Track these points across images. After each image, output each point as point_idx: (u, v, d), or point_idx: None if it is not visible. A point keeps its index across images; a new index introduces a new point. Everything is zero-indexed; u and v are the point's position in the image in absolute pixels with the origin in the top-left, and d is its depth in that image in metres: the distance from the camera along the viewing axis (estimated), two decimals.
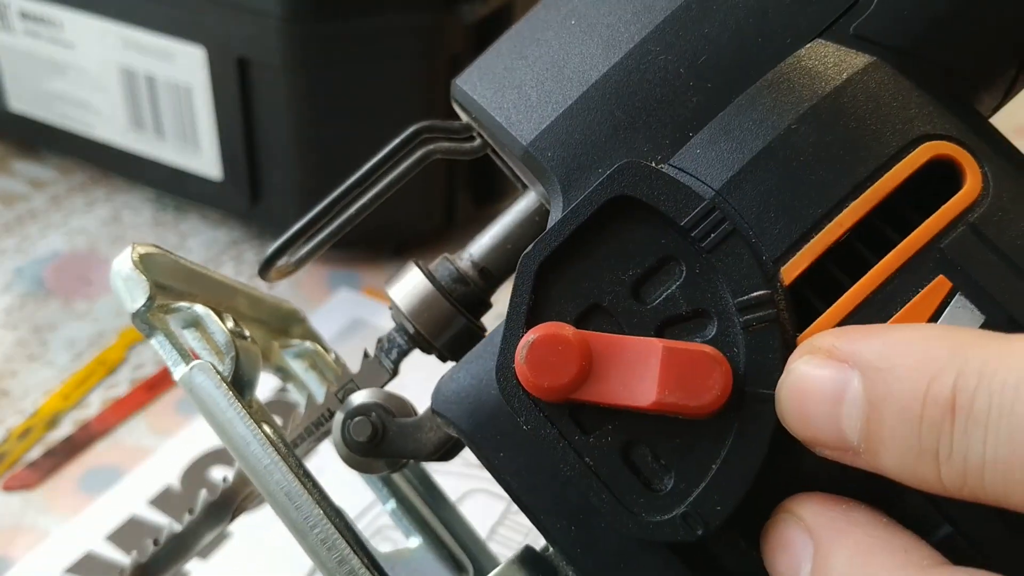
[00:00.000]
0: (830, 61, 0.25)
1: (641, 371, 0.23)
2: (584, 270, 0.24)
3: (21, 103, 0.69)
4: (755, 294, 0.23)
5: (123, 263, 0.28)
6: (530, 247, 0.24)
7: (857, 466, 0.22)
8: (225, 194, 0.64)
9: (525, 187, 0.30)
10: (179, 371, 0.27)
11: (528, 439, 0.24)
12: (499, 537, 0.48)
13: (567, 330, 0.23)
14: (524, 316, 0.24)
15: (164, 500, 0.50)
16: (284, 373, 0.36)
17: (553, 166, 0.26)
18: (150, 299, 0.27)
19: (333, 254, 0.66)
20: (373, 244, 0.66)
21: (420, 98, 0.60)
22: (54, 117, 0.68)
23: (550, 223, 0.25)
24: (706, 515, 0.23)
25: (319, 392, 0.35)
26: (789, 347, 0.23)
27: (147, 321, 0.27)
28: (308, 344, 0.36)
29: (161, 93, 0.62)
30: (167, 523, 0.31)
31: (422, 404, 0.29)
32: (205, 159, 0.63)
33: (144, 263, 0.28)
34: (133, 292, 0.27)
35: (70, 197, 0.70)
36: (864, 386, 0.21)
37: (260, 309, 0.34)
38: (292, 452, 0.27)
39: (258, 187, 0.63)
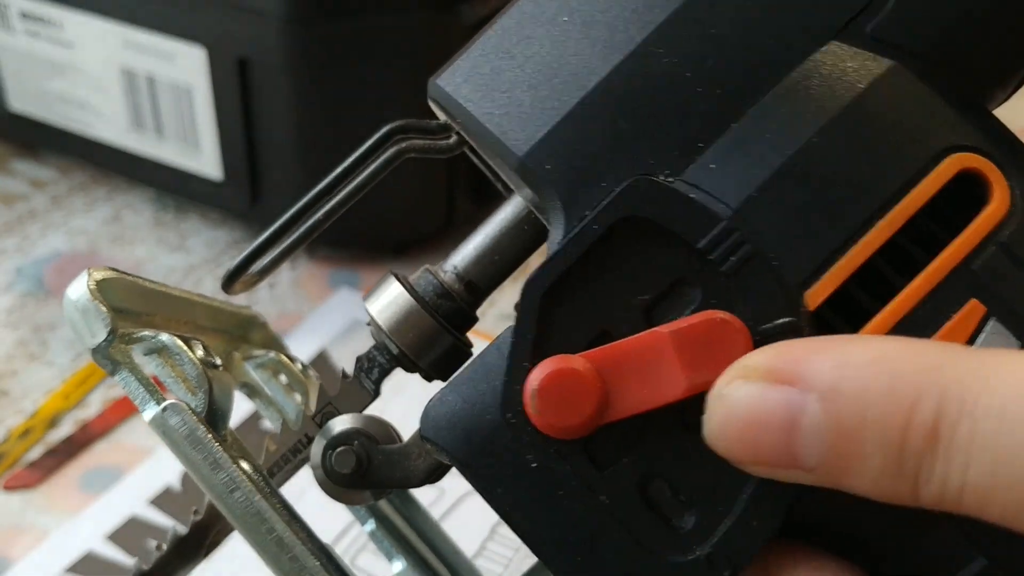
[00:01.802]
0: (849, 66, 0.23)
1: (658, 366, 0.22)
2: (592, 295, 0.23)
3: (21, 103, 0.69)
4: (779, 321, 0.22)
5: (79, 292, 0.25)
6: (534, 272, 0.23)
7: (804, 483, 0.21)
8: (225, 194, 0.64)
9: (510, 191, 0.29)
10: (149, 412, 0.24)
11: (529, 468, 0.23)
12: (499, 537, 0.48)
13: (577, 363, 0.22)
14: (530, 346, 0.23)
15: (164, 500, 0.50)
16: (250, 389, 0.34)
17: (553, 180, 0.24)
18: (112, 332, 0.24)
19: (333, 254, 0.66)
20: (373, 244, 0.66)
21: (420, 98, 0.60)
22: (54, 117, 0.68)
23: (550, 242, 0.24)
24: (732, 556, 0.22)
25: (287, 406, 0.33)
26: None
27: (109, 356, 0.25)
28: (271, 354, 0.34)
29: (161, 93, 0.62)
30: (134, 560, 0.29)
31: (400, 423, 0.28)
32: (205, 159, 0.63)
33: (102, 290, 0.25)
34: (92, 325, 0.24)
35: (70, 197, 0.70)
36: (827, 412, 0.20)
37: (219, 319, 0.32)
38: (275, 492, 0.26)
39: (258, 187, 0.63)
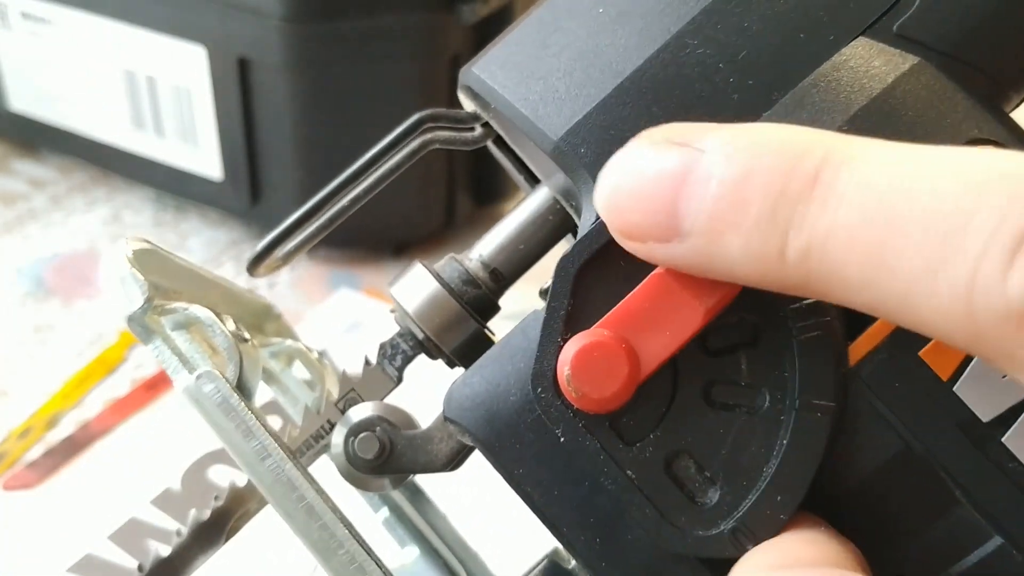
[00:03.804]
0: (877, 61, 0.24)
1: (671, 305, 0.22)
2: (624, 272, 0.23)
3: (21, 103, 0.69)
4: (809, 300, 0.22)
5: (118, 260, 0.25)
6: (569, 249, 0.23)
7: (669, 258, 0.21)
8: (225, 194, 0.64)
9: (534, 184, 0.29)
10: (182, 379, 0.24)
11: (552, 448, 0.24)
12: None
13: (601, 334, 0.22)
14: (562, 321, 0.23)
15: (164, 501, 0.50)
16: (268, 375, 0.34)
17: (587, 163, 0.24)
18: (148, 300, 0.25)
19: (333, 254, 0.66)
20: (373, 244, 0.66)
21: (420, 98, 0.60)
22: (54, 117, 0.68)
23: (582, 223, 0.25)
24: (756, 530, 0.22)
25: (302, 396, 0.33)
26: (841, 356, 0.22)
27: (144, 324, 0.25)
28: (288, 342, 0.34)
29: (161, 93, 0.62)
30: (155, 546, 0.29)
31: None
32: (205, 159, 0.63)
33: (139, 260, 0.25)
34: (129, 292, 0.25)
35: (70, 197, 0.70)
36: (720, 164, 0.20)
37: (236, 304, 0.32)
38: (303, 466, 0.25)
39: (258, 187, 0.63)
